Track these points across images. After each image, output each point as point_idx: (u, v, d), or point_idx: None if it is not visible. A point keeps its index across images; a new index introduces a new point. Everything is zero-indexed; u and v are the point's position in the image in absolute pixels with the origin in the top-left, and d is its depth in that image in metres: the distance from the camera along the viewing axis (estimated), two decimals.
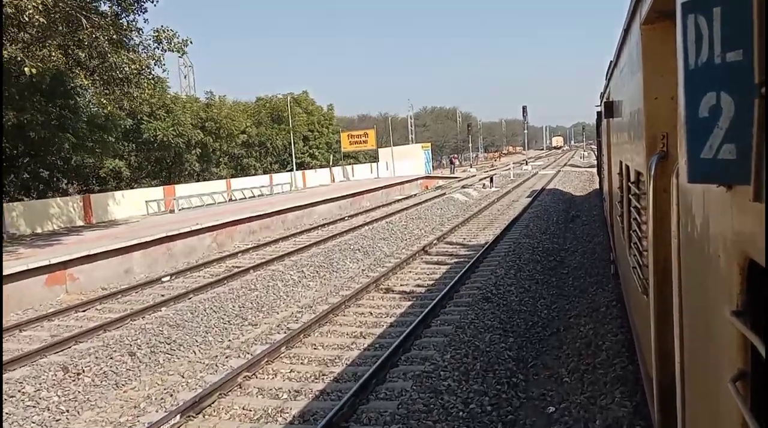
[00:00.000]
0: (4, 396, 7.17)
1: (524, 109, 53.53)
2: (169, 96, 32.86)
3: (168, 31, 15.69)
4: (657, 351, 2.95)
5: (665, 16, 2.89)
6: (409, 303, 10.68)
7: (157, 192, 27.38)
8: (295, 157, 43.62)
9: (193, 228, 17.12)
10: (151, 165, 33.71)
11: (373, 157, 53.04)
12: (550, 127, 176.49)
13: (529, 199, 25.37)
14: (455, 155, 69.00)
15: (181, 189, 28.52)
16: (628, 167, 4.70)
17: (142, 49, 16.19)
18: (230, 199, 30.21)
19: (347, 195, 27.93)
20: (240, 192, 31.74)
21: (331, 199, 26.22)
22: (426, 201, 26.20)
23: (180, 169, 35.04)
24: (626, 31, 4.19)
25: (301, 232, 19.99)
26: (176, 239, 16.39)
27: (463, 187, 33.08)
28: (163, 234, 15.87)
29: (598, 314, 8.56)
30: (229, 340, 9.39)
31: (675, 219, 2.11)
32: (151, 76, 17.41)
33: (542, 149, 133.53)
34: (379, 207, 26.85)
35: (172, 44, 15.81)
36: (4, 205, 19.30)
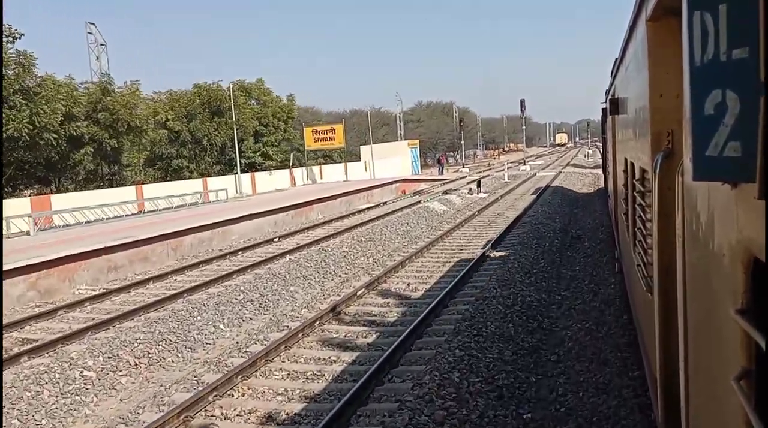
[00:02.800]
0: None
1: (522, 102, 46.69)
2: (38, 78, 24.01)
3: None
4: (661, 349, 2.95)
5: (671, 12, 2.87)
6: None
7: (20, 205, 19.92)
8: (244, 157, 38.04)
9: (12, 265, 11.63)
10: (12, 170, 24.74)
11: (356, 157, 47.59)
12: (554, 123, 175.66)
13: (519, 213, 19.89)
14: (444, 154, 63.13)
15: (62, 200, 21.68)
16: (633, 164, 4.68)
17: None
18: (141, 211, 24.16)
19: (289, 206, 22.52)
20: (159, 201, 25.00)
21: (267, 211, 20.86)
22: (393, 212, 21.73)
23: (71, 172, 28.23)
24: (632, 27, 4.17)
25: (189, 267, 14.39)
26: None
27: (446, 192, 28.48)
28: None
29: None
30: None
31: (680, 217, 2.11)
32: None
33: (545, 146, 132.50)
34: (329, 221, 21.77)
35: None
36: None
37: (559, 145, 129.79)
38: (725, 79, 1.16)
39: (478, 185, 28.90)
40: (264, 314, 10.24)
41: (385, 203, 27.38)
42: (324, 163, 46.19)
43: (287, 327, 9.19)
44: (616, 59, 6.78)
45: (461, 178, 37.71)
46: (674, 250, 2.30)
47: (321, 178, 40.49)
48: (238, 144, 35.69)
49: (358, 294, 10.57)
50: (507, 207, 23.11)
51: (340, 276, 12.71)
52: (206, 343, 8.87)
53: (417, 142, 55.04)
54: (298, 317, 9.78)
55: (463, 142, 57.89)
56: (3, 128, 20.64)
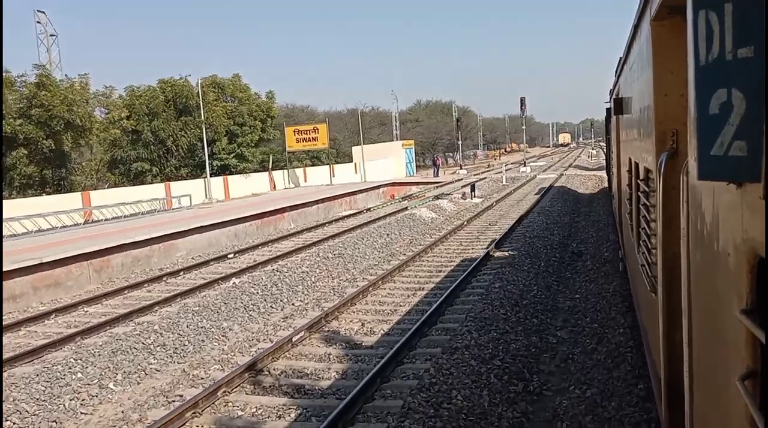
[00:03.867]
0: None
1: (522, 100, 44.64)
2: None
3: None
4: (665, 349, 2.94)
5: (676, 11, 2.86)
6: None
7: None
8: (217, 159, 35.69)
9: None
10: None
11: (350, 158, 45.18)
12: (557, 123, 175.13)
13: (513, 222, 17.75)
14: (438, 155, 61.03)
15: None
16: (637, 164, 4.68)
17: None
18: (88, 221, 21.60)
19: (255, 214, 20.03)
20: (110, 209, 22.23)
21: (228, 221, 18.46)
22: (374, 221, 19.96)
23: (4, 177, 25.35)
24: (636, 27, 4.16)
25: (110, 295, 11.98)
26: None
27: (437, 196, 26.57)
28: None
29: None
30: None
31: (684, 217, 2.10)
32: None
33: (548, 146, 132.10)
34: (300, 232, 19.62)
35: None
36: None
37: (562, 144, 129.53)
38: (730, 79, 1.16)
39: (472, 189, 27.11)
40: (178, 362, 7.96)
41: (368, 209, 25.41)
42: (311, 165, 43.80)
43: (206, 380, 7.14)
44: (621, 59, 6.77)
45: (457, 181, 35.61)
46: (678, 250, 2.29)
47: (305, 181, 38.28)
48: (209, 145, 33.25)
49: (294, 340, 8.17)
50: (501, 215, 21.04)
51: (292, 305, 10.69)
52: (81, 413, 6.53)
53: (412, 142, 52.81)
54: (223, 365, 7.72)
55: (460, 142, 55.06)
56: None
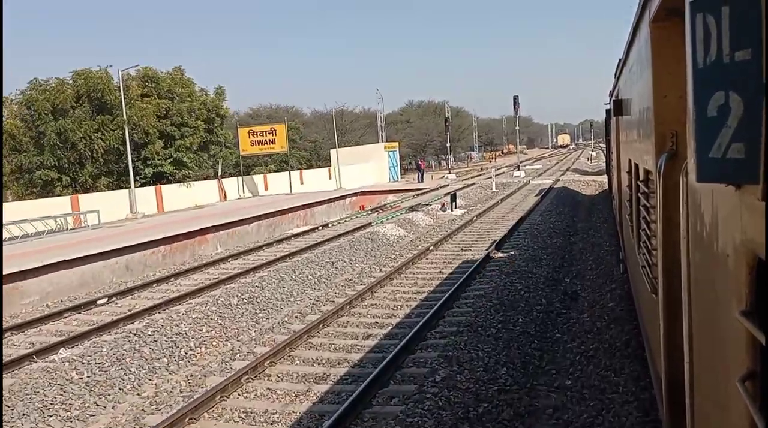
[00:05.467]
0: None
1: (515, 99, 42.07)
2: None
3: None
4: (666, 350, 2.95)
5: (675, 13, 2.87)
6: None
7: None
8: (150, 166, 30.85)
9: None
10: None
11: (329, 161, 40.89)
12: (557, 124, 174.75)
13: (491, 245, 14.49)
14: (422, 158, 56.45)
15: None
16: (637, 166, 4.69)
17: None
18: None
19: (165, 238, 15.97)
20: (12, 227, 17.88)
21: (126, 247, 14.57)
22: (326, 241, 16.75)
23: None
24: (635, 28, 4.17)
25: None
26: None
27: (413, 208, 23.21)
28: None
29: None
30: None
31: (684, 218, 2.11)
32: None
33: (547, 148, 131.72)
34: (224, 259, 15.82)
35: None
36: None
37: (561, 146, 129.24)
38: (728, 81, 1.17)
39: (453, 199, 23.61)
40: None
41: (326, 225, 21.72)
42: (276, 170, 39.93)
43: None
44: (620, 60, 6.78)
45: (441, 187, 32.18)
46: (678, 251, 2.30)
47: (266, 190, 33.94)
48: (139, 150, 29.05)
49: None
50: (480, 234, 17.45)
51: (124, 403, 7.06)
52: None
53: (396, 144, 48.37)
54: None
55: (449, 144, 51.44)
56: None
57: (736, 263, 1.29)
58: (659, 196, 2.88)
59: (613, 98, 8.30)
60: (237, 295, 10.96)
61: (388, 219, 20.54)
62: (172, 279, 14.00)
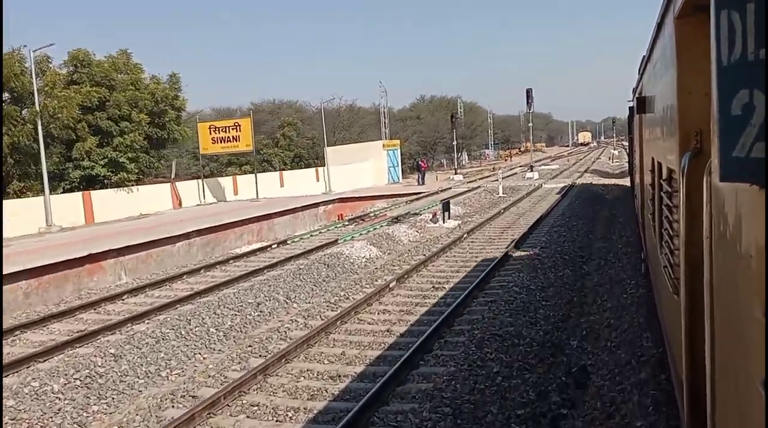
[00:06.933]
0: None
1: (528, 92, 38.37)
2: None
3: None
4: (687, 351, 2.91)
5: (700, 9, 2.83)
6: None
7: None
8: (80, 168, 26.30)
9: None
10: None
11: (324, 160, 37.07)
12: (578, 121, 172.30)
13: (482, 277, 11.24)
14: (423, 158, 49.42)
15: None
16: (660, 164, 4.62)
17: None
18: None
19: (35, 269, 12.11)
20: None
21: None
22: (272, 266, 13.70)
23: None
24: (659, 25, 4.12)
25: None
26: None
27: (398, 218, 20.38)
28: None
29: None
30: None
31: (707, 218, 2.09)
32: None
33: (567, 145, 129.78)
34: (116, 297, 12.02)
35: None
36: None
37: (582, 144, 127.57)
38: (753, 79, 1.15)
39: (446, 209, 20.16)
40: None
41: (284, 242, 18.29)
42: (258, 171, 35.31)
43: None
44: (644, 57, 6.68)
45: (442, 191, 28.83)
46: (701, 251, 2.27)
47: (235, 194, 30.23)
48: (67, 149, 24.81)
49: None
50: (471, 256, 13.98)
51: None
52: None
53: (397, 142, 43.99)
54: None
55: (455, 142, 47.69)
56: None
57: (759, 264, 1.27)
58: (682, 194, 2.84)
59: (637, 95, 8.20)
60: (67, 374, 7.38)
61: (361, 234, 17.36)
62: (20, 331, 9.92)
